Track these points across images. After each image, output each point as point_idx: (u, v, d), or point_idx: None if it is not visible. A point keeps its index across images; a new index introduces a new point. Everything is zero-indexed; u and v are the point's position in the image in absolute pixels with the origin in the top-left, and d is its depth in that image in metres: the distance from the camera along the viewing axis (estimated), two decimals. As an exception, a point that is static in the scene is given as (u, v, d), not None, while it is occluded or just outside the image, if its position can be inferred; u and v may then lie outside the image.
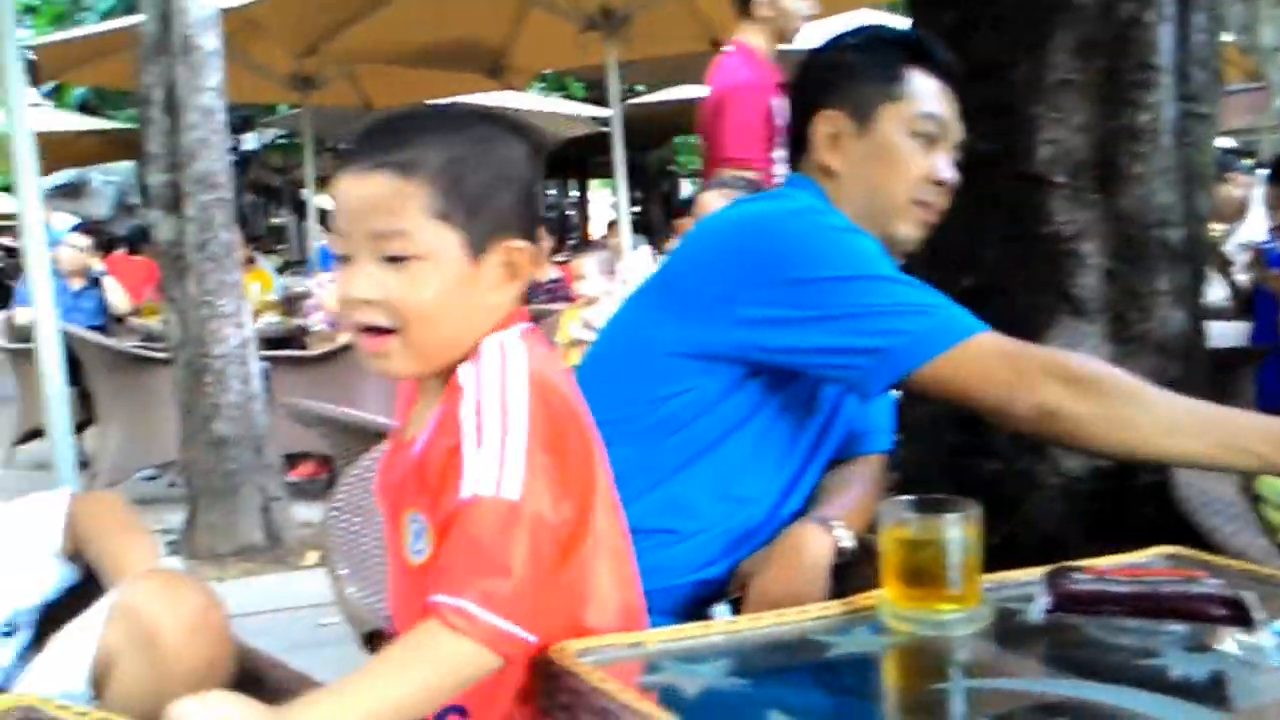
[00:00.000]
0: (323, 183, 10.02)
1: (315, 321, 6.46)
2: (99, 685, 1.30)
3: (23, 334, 6.75)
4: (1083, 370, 1.50)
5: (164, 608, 1.29)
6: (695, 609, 1.56)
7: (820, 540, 1.55)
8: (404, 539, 1.23)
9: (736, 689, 1.10)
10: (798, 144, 1.73)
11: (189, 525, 4.73)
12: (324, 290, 6.49)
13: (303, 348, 6.39)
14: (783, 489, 1.65)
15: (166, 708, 0.99)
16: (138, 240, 9.20)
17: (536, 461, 1.13)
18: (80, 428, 5.78)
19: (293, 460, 5.71)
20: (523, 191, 1.24)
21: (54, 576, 1.59)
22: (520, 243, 1.22)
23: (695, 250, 1.71)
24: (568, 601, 1.20)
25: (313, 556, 4.76)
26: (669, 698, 1.04)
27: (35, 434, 6.66)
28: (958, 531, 1.18)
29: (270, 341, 6.00)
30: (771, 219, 1.61)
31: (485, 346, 1.21)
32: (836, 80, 1.69)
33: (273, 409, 4.96)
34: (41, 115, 9.80)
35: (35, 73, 9.53)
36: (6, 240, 14.98)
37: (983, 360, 1.48)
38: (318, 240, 10.17)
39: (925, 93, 1.65)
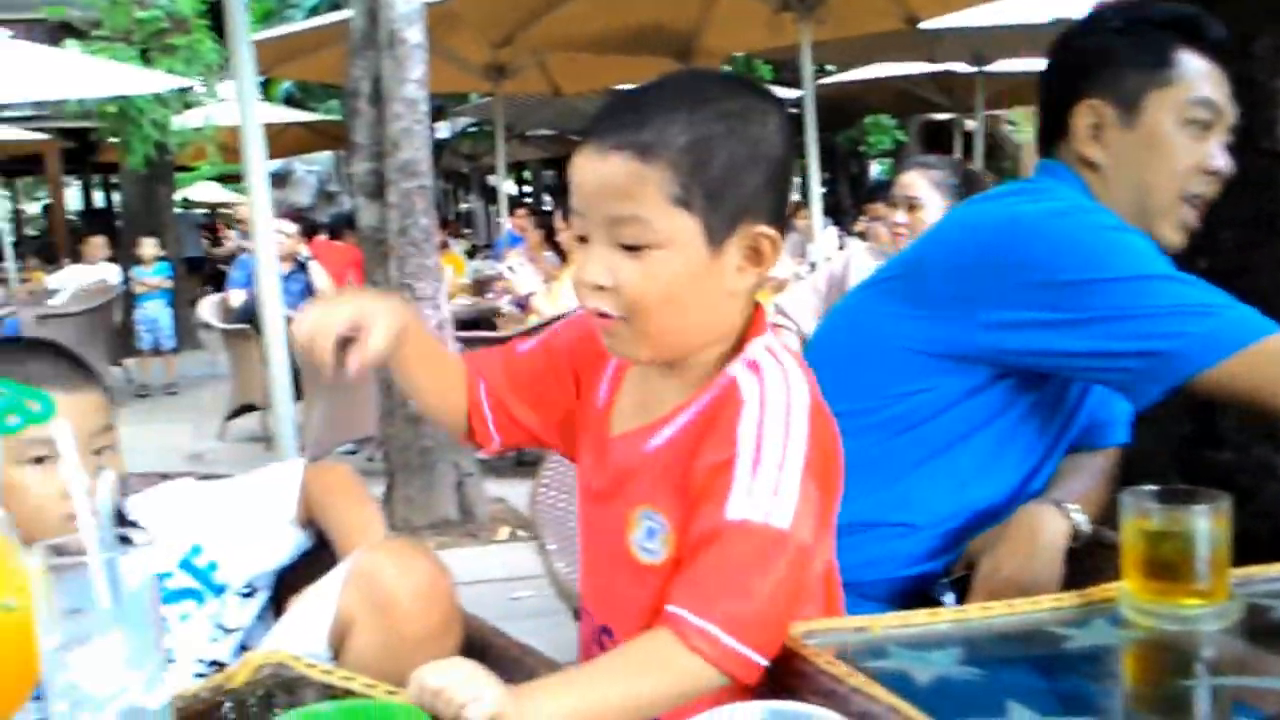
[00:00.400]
0: (511, 169, 10.26)
1: (505, 303, 6.63)
2: (336, 648, 1.35)
3: (236, 315, 7.14)
4: None
5: (398, 575, 1.33)
6: (912, 598, 1.54)
7: (1056, 522, 1.50)
8: (629, 532, 1.21)
9: (970, 678, 1.08)
10: (1052, 129, 1.64)
11: (386, 499, 4.91)
12: (513, 274, 6.65)
13: (493, 329, 6.58)
14: (1020, 482, 1.60)
15: (413, 671, 1.03)
16: (338, 226, 9.59)
17: (808, 491, 1.11)
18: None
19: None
20: (772, 170, 1.16)
21: (289, 542, 1.67)
22: (766, 227, 1.15)
23: (949, 248, 1.61)
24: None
25: (504, 531, 4.90)
26: (899, 684, 1.02)
27: (245, 409, 7.05)
28: (1206, 523, 1.13)
29: (462, 323, 6.19)
30: (1038, 221, 1.51)
31: (758, 354, 1.17)
32: (1098, 67, 1.58)
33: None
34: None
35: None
36: (229, 231, 15.77)
37: (1277, 362, 1.38)
38: (503, 225, 10.43)
39: (1197, 76, 1.55)
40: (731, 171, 1.13)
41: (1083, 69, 1.60)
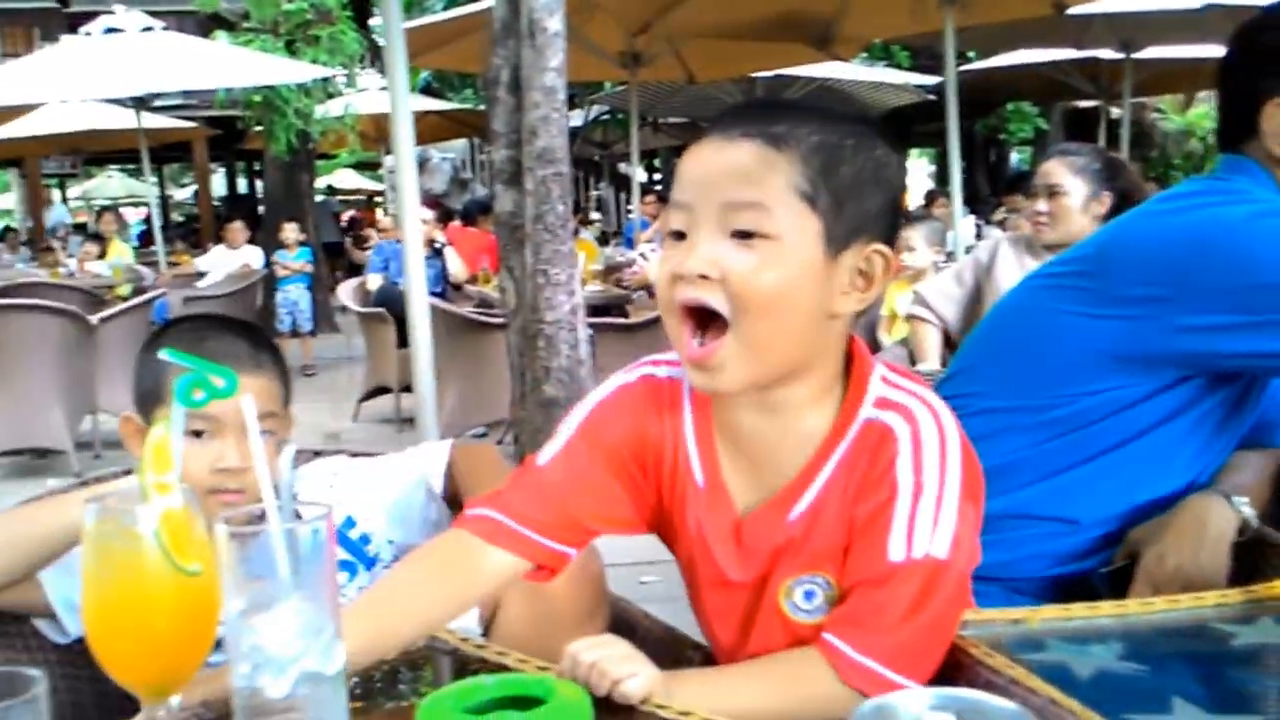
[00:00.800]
0: (642, 156, 10.31)
1: (637, 295, 6.67)
2: (487, 624, 1.39)
3: (373, 299, 7.33)
4: None
5: (548, 555, 1.36)
6: (1067, 593, 1.51)
7: (1225, 513, 1.47)
8: (782, 600, 1.18)
9: (1131, 673, 1.06)
10: (1238, 126, 1.59)
11: (518, 482, 4.98)
12: (646, 262, 6.68)
13: (625, 316, 6.62)
14: (1189, 482, 1.57)
15: (566, 646, 1.05)
16: (473, 212, 9.77)
17: (965, 514, 1.11)
18: (411, 387, 6.23)
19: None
20: (893, 198, 1.15)
21: (437, 518, 1.72)
22: (882, 245, 1.12)
23: (1140, 249, 1.57)
24: None
25: (634, 518, 4.94)
26: (1059, 677, 1.01)
27: (379, 391, 7.24)
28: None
29: (594, 309, 6.25)
30: (1242, 224, 1.47)
31: (887, 393, 1.15)
32: None
33: (596, 374, 5.17)
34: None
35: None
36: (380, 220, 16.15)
37: None
38: (633, 212, 10.49)
39: None
40: (858, 184, 1.11)
41: (1268, 67, 1.55)
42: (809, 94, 10.30)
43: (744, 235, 1.07)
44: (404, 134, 3.23)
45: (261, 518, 0.91)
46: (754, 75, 10.20)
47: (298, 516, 0.96)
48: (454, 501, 1.72)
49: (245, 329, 1.61)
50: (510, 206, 4.92)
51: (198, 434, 1.49)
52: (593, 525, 1.23)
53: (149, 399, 1.55)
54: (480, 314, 6.43)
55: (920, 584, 1.08)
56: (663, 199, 12.63)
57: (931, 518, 1.09)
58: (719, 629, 1.27)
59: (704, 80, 9.72)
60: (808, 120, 1.10)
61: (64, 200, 25.86)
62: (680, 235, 1.10)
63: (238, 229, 10.19)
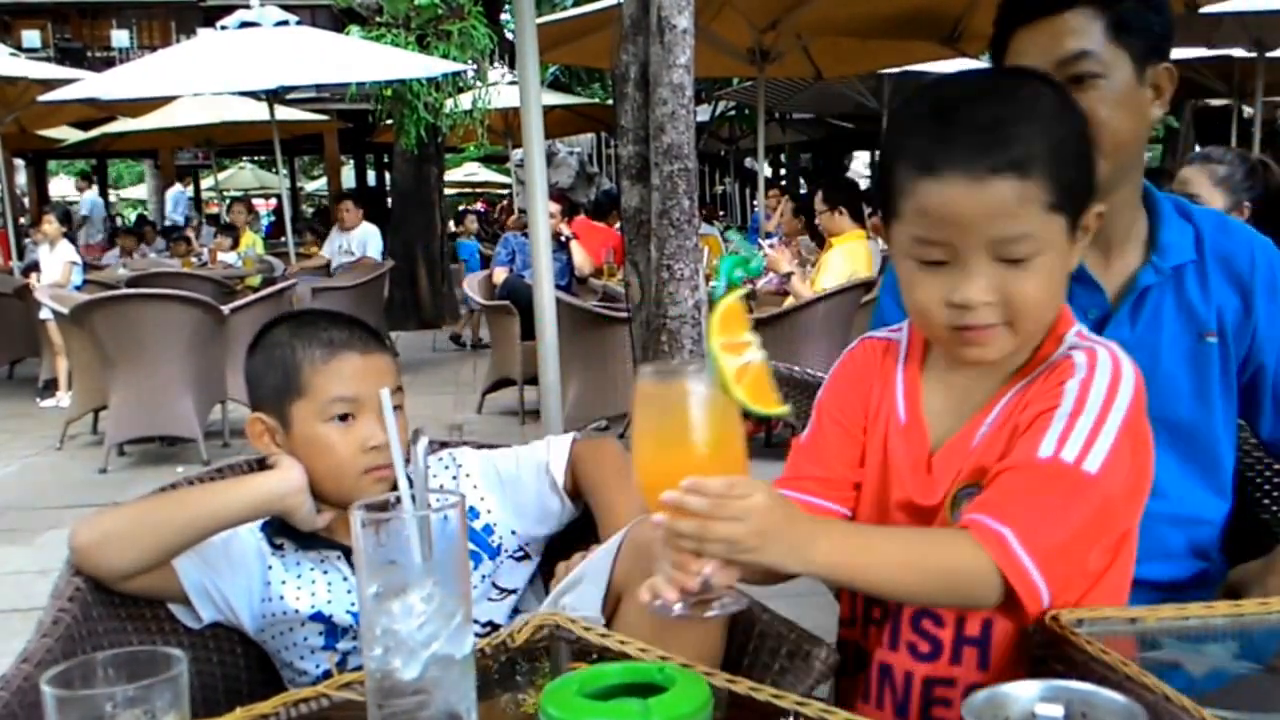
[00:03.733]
0: (769, 151, 10.27)
1: (762, 285, 6.65)
2: (609, 616, 1.43)
3: (498, 292, 7.46)
4: None
5: (671, 548, 1.39)
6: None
7: None
8: (947, 510, 1.24)
9: (1248, 673, 1.07)
10: None
11: (635, 476, 5.04)
12: (774, 252, 6.64)
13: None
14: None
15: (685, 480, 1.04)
16: (604, 206, 9.86)
17: (1123, 449, 1.14)
18: (536, 380, 6.31)
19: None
20: (1088, 146, 1.24)
21: (558, 511, 1.77)
22: (1097, 205, 1.23)
23: None
24: (1081, 583, 1.20)
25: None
26: (1173, 675, 1.02)
27: (503, 383, 7.37)
28: None
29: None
30: None
31: (1081, 340, 1.23)
32: None
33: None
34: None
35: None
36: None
37: None
38: (758, 207, 10.46)
39: None
40: (1078, 160, 1.20)
41: None
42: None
43: (1014, 260, 1.17)
44: (534, 128, 3.29)
45: (397, 504, 0.96)
46: (881, 72, 10.10)
47: (434, 504, 1.01)
48: (575, 495, 1.77)
49: (349, 318, 1.72)
50: (636, 201, 4.97)
51: (344, 418, 1.58)
52: (852, 477, 1.36)
53: (280, 394, 1.63)
54: (604, 308, 6.51)
55: (1065, 486, 1.12)
56: (785, 193, 12.57)
57: (1087, 433, 1.14)
58: None
59: (831, 77, 9.66)
60: (1032, 126, 1.17)
61: (193, 190, 26.64)
62: (937, 263, 1.19)
63: (348, 209, 10.27)
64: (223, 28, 10.00)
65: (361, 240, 10.08)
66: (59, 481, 6.19)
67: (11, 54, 12.74)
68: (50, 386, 8.54)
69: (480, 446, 1.89)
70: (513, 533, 1.75)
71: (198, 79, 9.29)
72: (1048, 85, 1.25)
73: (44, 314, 7.89)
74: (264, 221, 18.96)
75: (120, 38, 18.27)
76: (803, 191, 14.11)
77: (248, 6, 10.07)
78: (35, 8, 18.34)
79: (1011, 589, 1.09)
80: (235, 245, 11.25)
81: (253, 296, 7.30)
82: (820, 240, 6.93)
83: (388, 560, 0.93)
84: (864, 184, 13.18)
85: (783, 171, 22.64)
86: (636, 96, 4.85)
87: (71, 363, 7.25)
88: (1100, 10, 1.49)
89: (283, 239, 10.49)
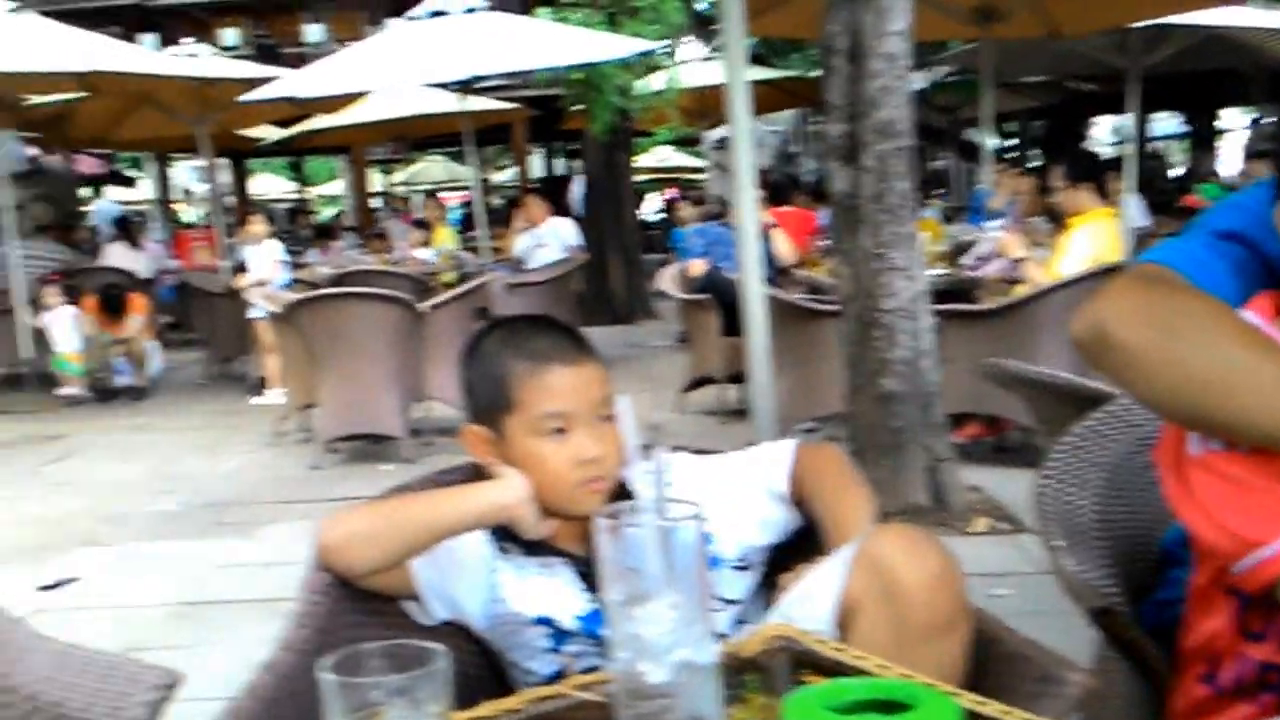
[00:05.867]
0: (995, 120, 10.02)
1: (992, 271, 6.50)
2: (842, 629, 1.46)
3: (696, 286, 7.54)
4: None
5: (907, 562, 1.41)
6: None
7: None
8: None
9: None
10: None
11: (853, 480, 5.02)
12: (1005, 235, 6.47)
13: (971, 301, 6.47)
14: None
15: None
16: (784, 190, 9.85)
17: None
18: (738, 378, 6.39)
19: (957, 420, 5.77)
20: None
21: (780, 520, 1.81)
22: None
23: None
24: None
25: (982, 523, 4.85)
26: None
27: (703, 381, 7.44)
28: None
29: (938, 294, 6.14)
30: None
31: None
32: None
33: (941, 365, 5.11)
34: (717, 68, 10.72)
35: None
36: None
37: None
38: (982, 184, 10.21)
39: None
40: None
41: None
42: (1188, 47, 9.73)
43: None
44: (740, 107, 3.31)
45: (635, 511, 1.03)
46: (1128, 26, 9.72)
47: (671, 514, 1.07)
48: (798, 502, 1.81)
49: (558, 325, 1.79)
50: (846, 185, 4.92)
51: (558, 431, 1.67)
52: None
53: (493, 407, 1.73)
54: (812, 301, 6.47)
55: None
56: (1016, 165, 12.14)
57: None
58: None
59: (1070, 34, 9.33)
60: None
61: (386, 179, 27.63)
62: None
63: (533, 203, 10.52)
64: (413, 18, 10.38)
65: (554, 234, 10.30)
66: (275, 478, 6.76)
67: (214, 53, 13.54)
68: (260, 384, 9.16)
69: (694, 452, 1.95)
70: (732, 542, 1.79)
71: (390, 73, 9.66)
72: None
73: (252, 313, 8.57)
74: (453, 215, 19.60)
75: (313, 32, 19.23)
76: (1030, 165, 13.67)
77: (436, -5, 10.40)
78: (231, 6, 19.48)
79: None
80: (428, 241, 11.69)
81: (449, 294, 7.63)
82: (1057, 220, 6.73)
83: (629, 567, 1.01)
84: (1106, 154, 12.68)
85: (1010, 143, 21.95)
86: (846, 69, 4.81)
87: (281, 360, 7.76)
88: None
89: (473, 232, 10.81)
